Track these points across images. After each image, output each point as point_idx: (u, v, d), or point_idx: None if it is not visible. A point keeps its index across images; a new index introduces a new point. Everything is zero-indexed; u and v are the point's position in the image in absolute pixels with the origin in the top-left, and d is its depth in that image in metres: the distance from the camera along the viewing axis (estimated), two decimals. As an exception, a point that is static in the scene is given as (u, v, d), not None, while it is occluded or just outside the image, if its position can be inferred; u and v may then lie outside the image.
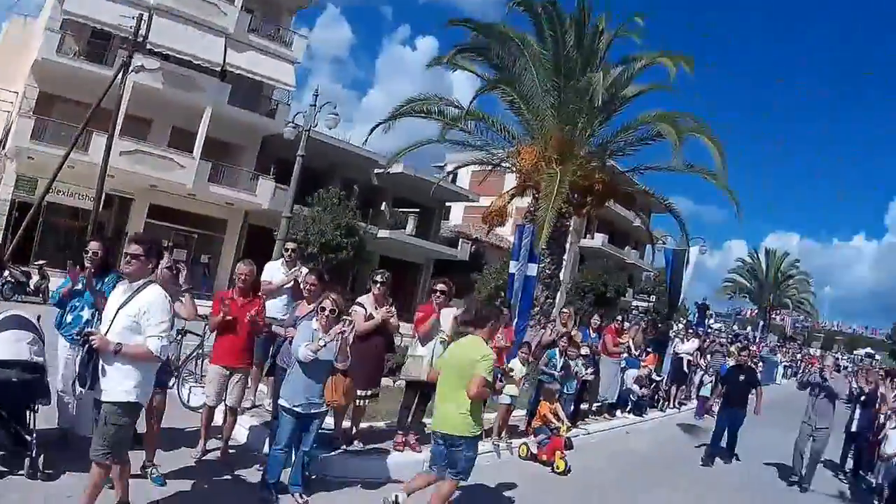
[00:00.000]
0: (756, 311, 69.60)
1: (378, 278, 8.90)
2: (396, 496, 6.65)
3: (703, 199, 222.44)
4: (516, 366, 11.29)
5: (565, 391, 12.24)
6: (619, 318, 19.29)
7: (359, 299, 8.85)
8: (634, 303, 28.70)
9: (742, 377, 13.88)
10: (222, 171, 32.13)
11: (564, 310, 14.28)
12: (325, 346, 6.58)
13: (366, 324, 8.36)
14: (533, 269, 16.22)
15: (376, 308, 8.62)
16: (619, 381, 15.46)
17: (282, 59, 34.15)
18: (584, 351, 13.15)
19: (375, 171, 34.18)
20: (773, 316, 69.95)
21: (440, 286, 9.23)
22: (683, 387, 20.39)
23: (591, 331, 14.41)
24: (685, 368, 19.93)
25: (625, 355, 15.82)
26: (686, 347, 20.12)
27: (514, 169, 18.99)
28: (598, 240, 55.00)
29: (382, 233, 35.28)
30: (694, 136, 17.65)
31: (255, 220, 33.68)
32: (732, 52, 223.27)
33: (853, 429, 14.34)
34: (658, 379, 18.43)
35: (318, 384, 6.86)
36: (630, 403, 16.36)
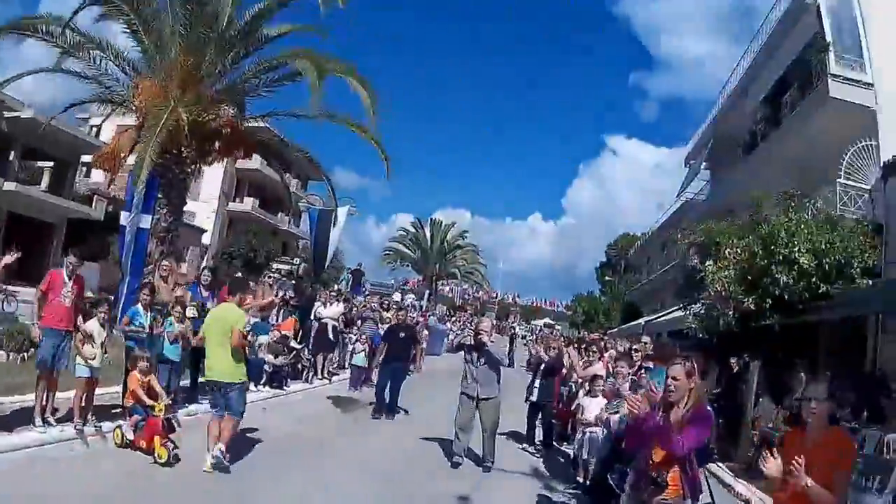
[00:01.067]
0: (422, 281, 68.67)
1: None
2: (219, 448, 8.09)
3: (370, 172, 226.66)
4: (94, 327, 8.99)
5: (168, 358, 10.30)
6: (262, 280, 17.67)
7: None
8: (275, 266, 26.77)
9: (402, 334, 15.07)
10: None
11: (166, 263, 11.73)
12: None
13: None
14: (147, 222, 13.92)
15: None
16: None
17: None
18: (191, 313, 11.01)
19: (4, 114, 29.70)
20: (441, 286, 70.37)
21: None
22: (332, 355, 18.82)
23: (201, 288, 12.18)
24: (331, 335, 18.29)
25: (254, 319, 13.61)
26: (328, 312, 18.38)
27: (134, 107, 15.98)
28: (248, 203, 54.22)
29: (9, 185, 31.20)
30: (340, 78, 16.09)
31: None
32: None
33: (533, 398, 13.30)
34: (298, 347, 16.72)
35: None
36: (265, 375, 14.51)
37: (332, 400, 15.35)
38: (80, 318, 9.00)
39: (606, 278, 69.98)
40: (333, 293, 20.21)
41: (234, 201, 55.09)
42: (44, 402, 8.42)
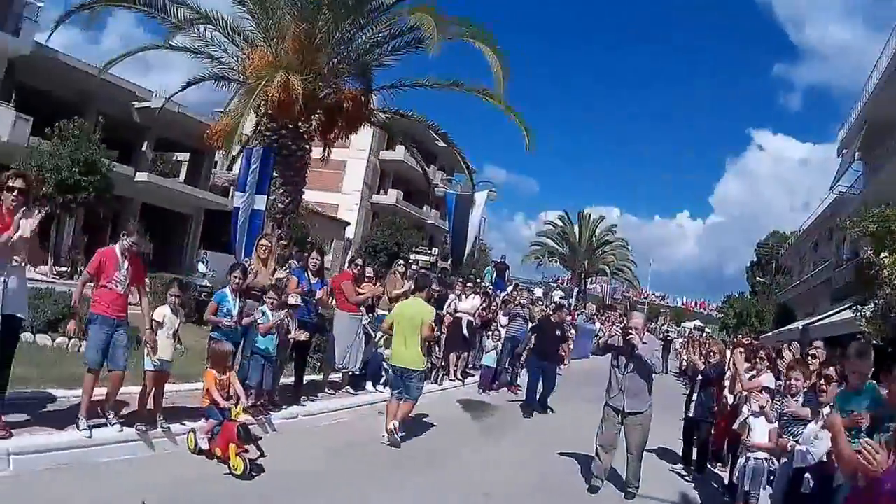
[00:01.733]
0: (570, 278, 65.31)
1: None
2: (393, 424, 9.18)
3: (519, 168, 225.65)
4: (164, 313, 7.52)
5: (261, 351, 8.77)
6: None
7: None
8: (413, 257, 25.24)
9: (556, 331, 14.77)
10: (-53, 97, 25.68)
11: (265, 242, 10.25)
12: None
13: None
14: (261, 203, 12.84)
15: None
16: (360, 343, 11.70)
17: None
18: (294, 300, 9.54)
19: (136, 105, 29.50)
20: (590, 285, 67.20)
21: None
22: (466, 354, 16.69)
23: (309, 273, 10.54)
24: (465, 332, 16.18)
25: (377, 312, 12.40)
26: (464, 306, 16.39)
27: (245, 80, 14.76)
28: (392, 196, 53.24)
29: (141, 175, 31.07)
30: (467, 42, 14.48)
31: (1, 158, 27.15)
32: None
33: (691, 413, 10.80)
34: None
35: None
36: (384, 375, 12.50)
37: (460, 404, 13.66)
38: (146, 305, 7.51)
39: (757, 279, 65.36)
40: (470, 285, 18.11)
41: (378, 193, 54.54)
42: (91, 400, 6.89)
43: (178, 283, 8.74)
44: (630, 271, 67.32)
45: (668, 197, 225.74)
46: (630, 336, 8.40)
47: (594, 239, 62.45)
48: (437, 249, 28.10)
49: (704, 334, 58.83)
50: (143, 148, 33.80)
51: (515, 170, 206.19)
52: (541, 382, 14.04)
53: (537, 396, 13.96)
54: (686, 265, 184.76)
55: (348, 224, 49.56)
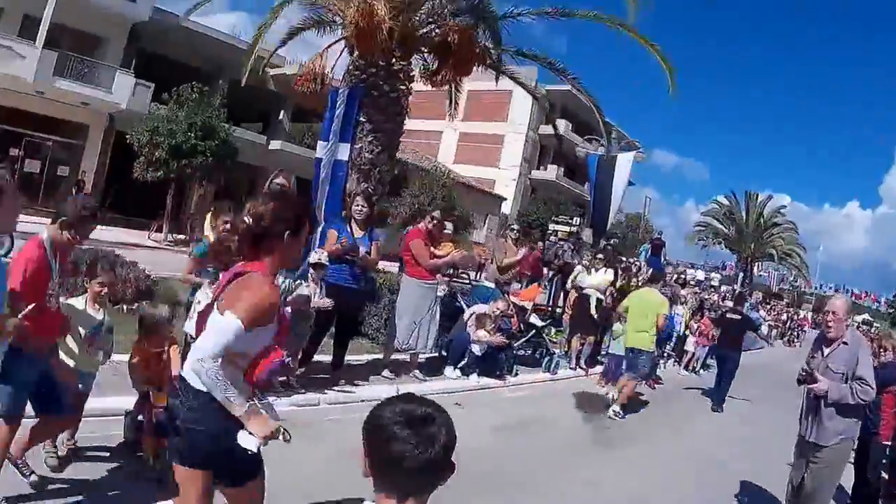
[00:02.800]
0: (735, 265, 60.06)
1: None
2: (610, 395, 10.75)
3: (689, 152, 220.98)
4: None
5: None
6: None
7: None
8: (552, 227, 23.08)
9: (736, 319, 14.09)
10: (71, 63, 25.71)
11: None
12: None
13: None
14: (344, 152, 10.75)
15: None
16: (433, 319, 9.55)
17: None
18: (318, 258, 7.64)
19: (271, 72, 28.42)
20: (757, 270, 62.07)
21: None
22: (593, 338, 13.91)
23: (353, 225, 8.54)
24: (593, 312, 13.30)
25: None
26: (592, 281, 13.59)
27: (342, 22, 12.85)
28: (552, 171, 52.09)
29: (275, 144, 30.98)
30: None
31: (124, 125, 26.49)
32: None
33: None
34: (541, 325, 12.93)
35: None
36: (468, 358, 10.23)
37: (574, 400, 11.08)
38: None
39: None
40: (600, 256, 14.72)
41: (537, 169, 53.22)
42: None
43: (104, 264, 6.76)
44: (799, 257, 61.34)
45: (838, 185, 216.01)
46: (829, 327, 5.89)
47: (762, 220, 57.60)
48: (578, 219, 25.69)
49: (873, 329, 53.50)
50: (280, 117, 33.66)
51: (686, 153, 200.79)
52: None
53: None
54: (854, 257, 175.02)
55: (504, 199, 48.60)
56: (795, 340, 40.70)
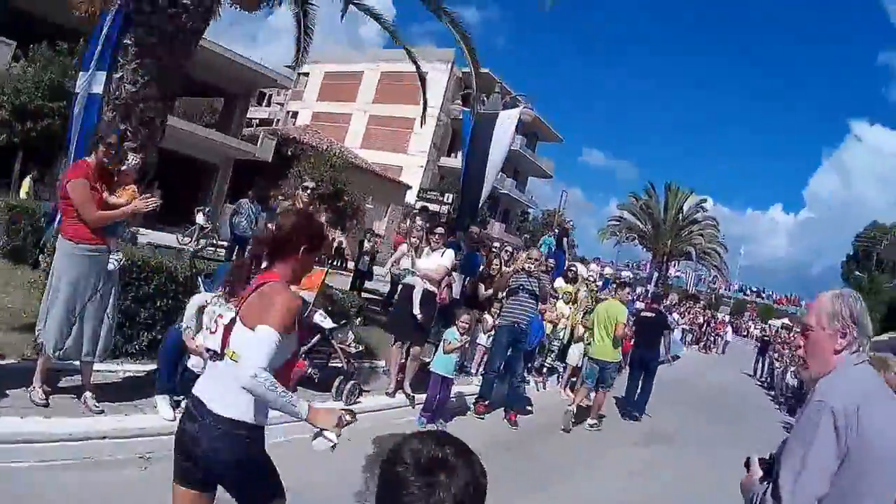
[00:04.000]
0: (650, 263, 55.93)
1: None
2: (572, 409, 10.57)
3: (619, 153, 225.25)
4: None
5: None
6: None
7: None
8: (420, 204, 20.10)
9: (652, 318, 13.65)
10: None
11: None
12: None
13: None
14: (99, 83, 8.23)
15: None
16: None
17: None
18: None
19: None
20: (673, 270, 58.45)
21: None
22: (419, 350, 9.53)
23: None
24: (416, 310, 9.20)
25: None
26: (427, 265, 9.45)
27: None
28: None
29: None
30: None
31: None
32: None
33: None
34: (330, 326, 8.61)
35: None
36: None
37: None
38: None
39: (856, 273, 57.37)
40: (440, 231, 9.97)
41: (447, 156, 50.56)
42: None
43: None
44: (719, 256, 58.00)
45: (762, 190, 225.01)
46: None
47: (681, 215, 54.37)
48: (452, 196, 22.68)
49: (793, 333, 51.53)
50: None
51: (616, 154, 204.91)
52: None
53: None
54: (776, 260, 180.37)
55: (409, 187, 44.89)
56: (712, 346, 38.37)
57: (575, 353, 13.46)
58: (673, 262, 57.34)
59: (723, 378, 24.62)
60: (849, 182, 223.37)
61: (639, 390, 12.99)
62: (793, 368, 21.43)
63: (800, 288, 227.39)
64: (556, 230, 23.84)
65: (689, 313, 38.73)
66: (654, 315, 13.79)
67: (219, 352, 3.38)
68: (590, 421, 10.84)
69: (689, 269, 60.80)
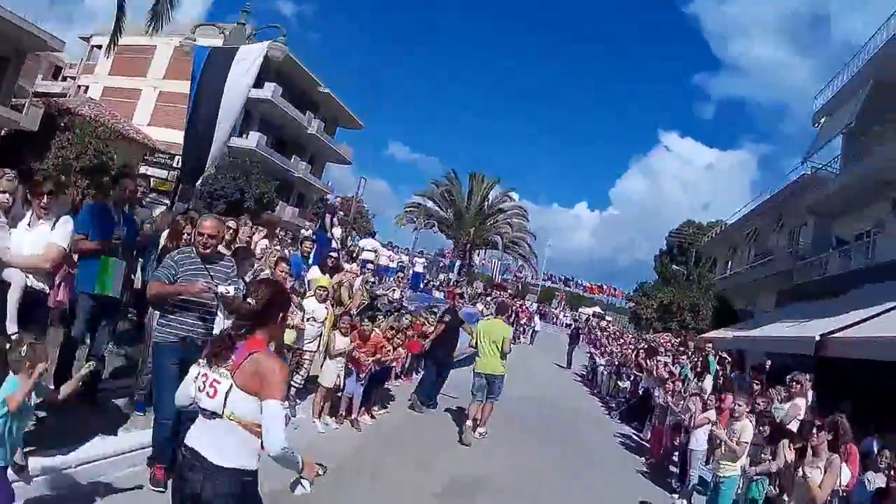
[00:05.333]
0: (453, 250, 52.69)
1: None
2: (469, 424, 11.29)
3: (427, 149, 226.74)
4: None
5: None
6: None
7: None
8: (143, 169, 17.33)
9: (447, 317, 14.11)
10: None
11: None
12: None
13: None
14: None
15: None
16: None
17: None
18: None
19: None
20: (479, 259, 57.16)
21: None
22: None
23: None
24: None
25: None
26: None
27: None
28: (253, 139, 46.41)
29: None
30: None
31: None
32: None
33: None
34: None
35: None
36: None
37: None
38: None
39: (673, 267, 57.81)
40: (46, 190, 6.21)
41: (238, 136, 46.27)
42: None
43: None
44: (528, 246, 56.12)
45: (569, 187, 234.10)
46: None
47: (486, 204, 52.64)
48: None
49: (607, 322, 51.29)
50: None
51: (422, 149, 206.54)
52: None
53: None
54: (581, 253, 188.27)
55: None
56: (521, 336, 36.46)
57: (331, 371, 9.84)
58: (477, 251, 55.48)
59: (542, 378, 22.62)
60: (656, 185, 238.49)
61: (432, 381, 13.26)
62: (624, 368, 19.76)
63: (605, 279, 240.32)
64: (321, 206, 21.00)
65: (494, 301, 36.70)
66: (451, 317, 14.35)
67: (220, 413, 3.66)
68: (480, 430, 11.50)
69: (496, 258, 59.26)
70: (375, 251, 24.08)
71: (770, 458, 8.29)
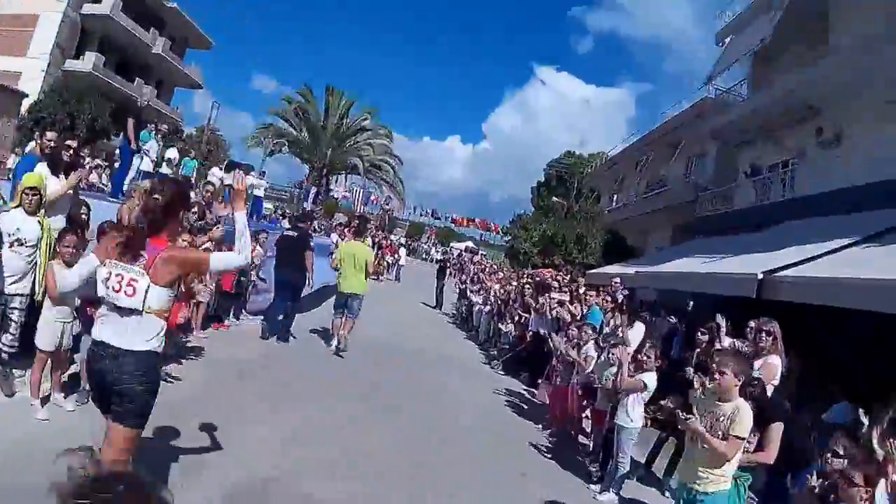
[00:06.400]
0: (309, 178, 46.73)
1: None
2: (340, 337, 11.84)
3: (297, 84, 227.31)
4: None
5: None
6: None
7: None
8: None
9: (292, 237, 13.04)
10: None
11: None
12: None
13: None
14: None
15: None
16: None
17: None
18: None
19: None
20: (336, 185, 52.83)
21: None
22: None
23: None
24: None
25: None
26: None
27: None
28: (90, 61, 41.71)
29: None
30: None
31: None
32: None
33: None
34: None
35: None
36: None
37: None
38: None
39: (554, 198, 54.85)
40: None
41: (74, 59, 42.54)
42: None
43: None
44: (392, 171, 50.75)
45: (441, 119, 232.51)
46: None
47: (346, 121, 47.14)
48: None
49: (481, 257, 48.47)
50: None
51: (287, 83, 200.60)
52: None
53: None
54: (454, 187, 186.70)
55: (26, 96, 36.18)
56: (386, 272, 33.26)
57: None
58: (335, 177, 51.22)
59: (407, 319, 19.98)
60: (532, 120, 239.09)
61: (282, 315, 12.29)
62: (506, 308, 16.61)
63: (478, 212, 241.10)
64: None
65: (349, 231, 33.16)
66: (296, 234, 13.10)
67: (139, 310, 4.01)
68: (339, 345, 11.83)
69: (357, 186, 55.12)
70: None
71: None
